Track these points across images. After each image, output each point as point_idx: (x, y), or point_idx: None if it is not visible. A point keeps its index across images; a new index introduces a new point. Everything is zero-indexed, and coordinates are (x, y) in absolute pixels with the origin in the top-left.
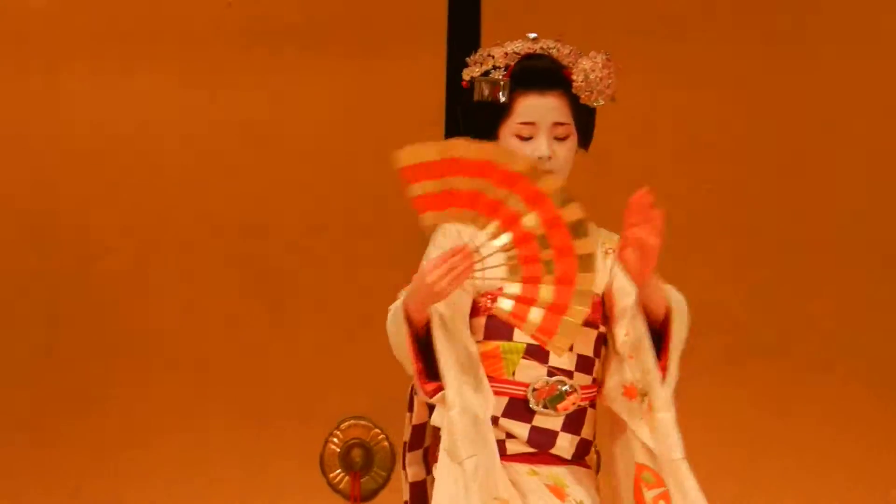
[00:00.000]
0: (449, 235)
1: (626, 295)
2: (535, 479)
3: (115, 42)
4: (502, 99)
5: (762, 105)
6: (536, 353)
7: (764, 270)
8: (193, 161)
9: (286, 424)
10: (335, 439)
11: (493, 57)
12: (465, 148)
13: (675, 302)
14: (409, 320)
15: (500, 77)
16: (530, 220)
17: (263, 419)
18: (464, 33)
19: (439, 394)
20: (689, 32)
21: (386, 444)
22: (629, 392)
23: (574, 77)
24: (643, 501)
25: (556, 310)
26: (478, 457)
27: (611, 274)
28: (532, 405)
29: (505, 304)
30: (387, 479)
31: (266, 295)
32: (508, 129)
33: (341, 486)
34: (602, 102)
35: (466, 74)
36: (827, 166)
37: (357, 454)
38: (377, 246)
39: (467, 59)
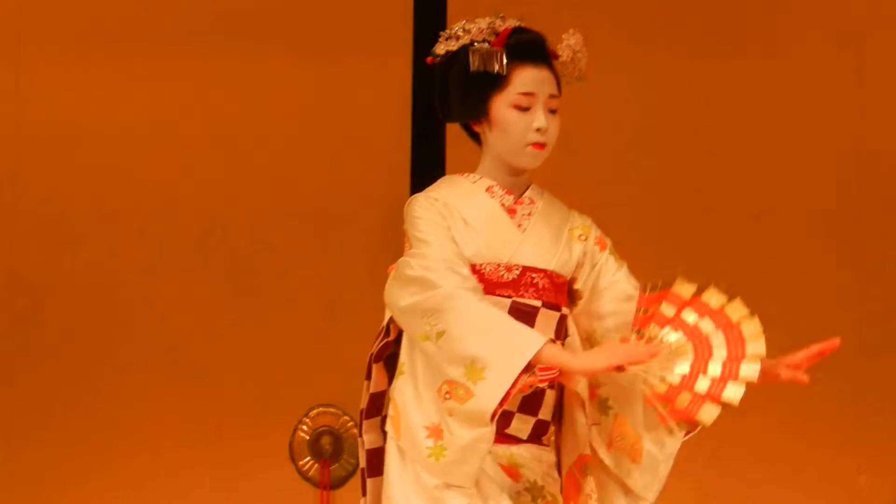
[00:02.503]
0: (439, 208)
1: (626, 299)
2: (489, 457)
3: (82, 31)
4: (499, 69)
5: (732, 94)
6: None
7: (725, 263)
8: (160, 153)
9: (255, 413)
10: (304, 427)
11: (470, 31)
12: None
13: None
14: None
15: (495, 50)
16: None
17: (232, 408)
18: (430, 25)
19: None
20: (655, 21)
21: (355, 431)
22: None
23: (560, 53)
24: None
25: (709, 396)
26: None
27: (596, 269)
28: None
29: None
30: (356, 467)
31: (234, 285)
32: (505, 100)
33: (311, 474)
34: (579, 77)
35: (441, 49)
36: (793, 154)
37: (326, 442)
38: (344, 236)
39: (441, 33)
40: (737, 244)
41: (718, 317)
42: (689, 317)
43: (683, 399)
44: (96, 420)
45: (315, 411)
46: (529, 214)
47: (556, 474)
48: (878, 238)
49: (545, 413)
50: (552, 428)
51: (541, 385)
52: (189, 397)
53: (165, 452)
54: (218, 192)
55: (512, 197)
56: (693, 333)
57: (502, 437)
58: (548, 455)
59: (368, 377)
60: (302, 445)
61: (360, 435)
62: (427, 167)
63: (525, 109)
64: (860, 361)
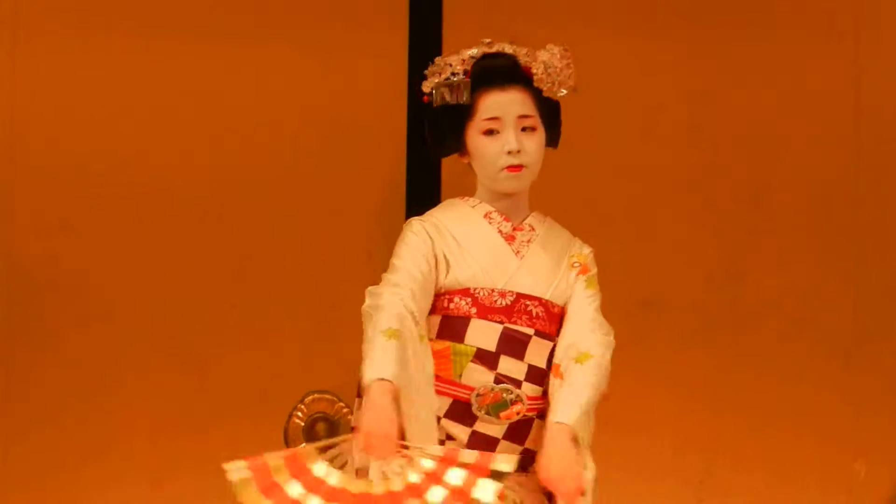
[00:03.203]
0: (420, 234)
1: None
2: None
3: (79, 16)
4: (464, 100)
5: (729, 83)
6: (486, 358)
7: (722, 249)
8: (157, 140)
9: (250, 399)
10: (299, 413)
11: (451, 65)
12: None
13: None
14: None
15: (460, 79)
16: None
17: (228, 394)
18: (426, 15)
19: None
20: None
21: (350, 417)
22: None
23: (534, 70)
24: None
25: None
26: None
27: (573, 290)
28: (474, 410)
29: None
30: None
31: (230, 272)
32: (475, 130)
33: None
34: (565, 93)
35: (427, 87)
36: (789, 141)
37: (321, 428)
38: (341, 223)
39: (425, 71)
40: (733, 230)
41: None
42: None
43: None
44: (93, 409)
45: (310, 398)
46: (529, 241)
47: (542, 497)
48: (875, 224)
49: (532, 443)
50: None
51: (528, 414)
52: (185, 385)
53: (161, 439)
54: (215, 180)
55: (510, 224)
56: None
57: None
58: (534, 480)
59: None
60: (297, 432)
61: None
62: (423, 155)
63: (494, 133)
64: (856, 348)
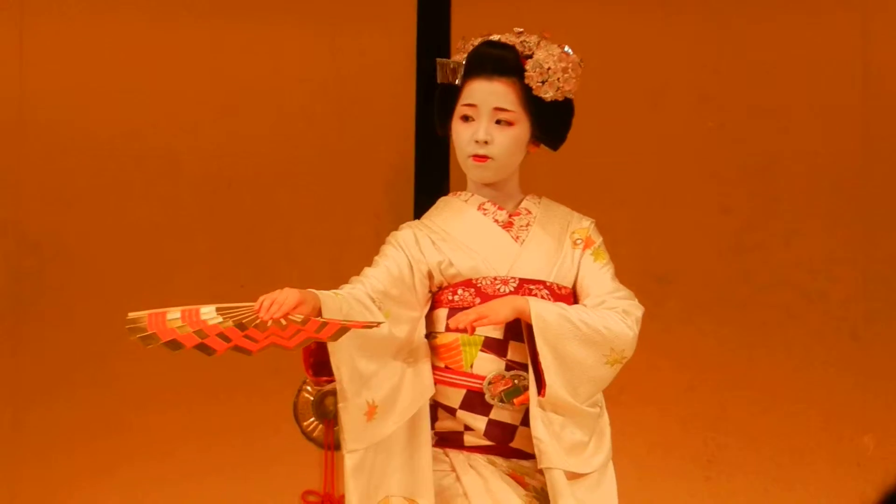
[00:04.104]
0: (400, 237)
1: (583, 294)
2: (492, 468)
3: None
4: (455, 81)
5: (737, 55)
6: (495, 346)
7: (729, 223)
8: (165, 114)
9: (260, 374)
10: (308, 388)
11: (473, 44)
12: None
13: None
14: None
15: (457, 62)
16: None
17: (237, 369)
18: None
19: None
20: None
21: None
22: None
23: (527, 66)
24: None
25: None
26: (362, 452)
27: (579, 266)
28: (488, 398)
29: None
30: None
31: (239, 244)
32: (456, 113)
33: (315, 434)
34: (550, 95)
35: (441, 62)
36: (796, 113)
37: (331, 402)
38: (349, 196)
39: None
40: (743, 206)
41: None
42: None
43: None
44: (102, 382)
45: None
46: (527, 225)
47: None
48: (883, 200)
49: None
50: None
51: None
52: (195, 358)
53: (172, 414)
54: (223, 153)
55: (505, 211)
56: None
57: (508, 450)
58: None
59: None
60: (306, 406)
61: None
62: (431, 131)
63: (469, 120)
64: (864, 323)
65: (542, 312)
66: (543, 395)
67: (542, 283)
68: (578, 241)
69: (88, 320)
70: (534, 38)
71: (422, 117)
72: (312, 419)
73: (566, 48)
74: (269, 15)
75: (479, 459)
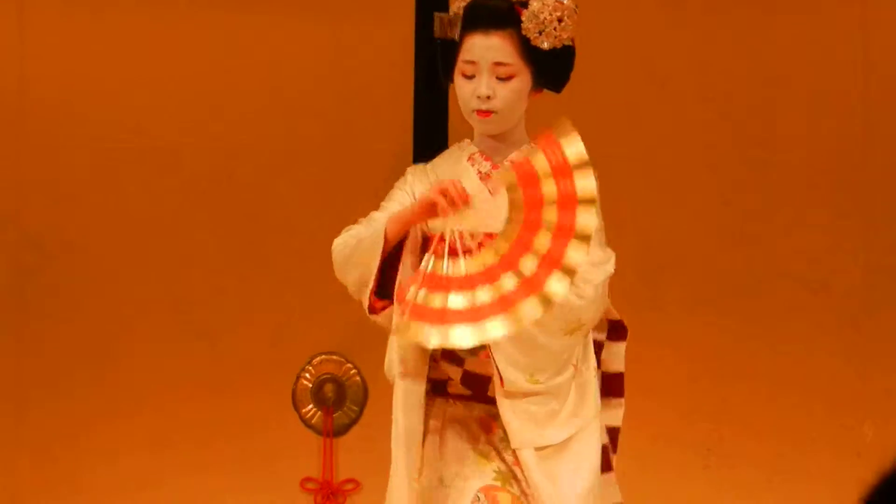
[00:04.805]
0: (417, 174)
1: None
2: (465, 413)
3: None
4: (453, 36)
5: (736, 46)
6: None
7: (729, 213)
8: (166, 108)
9: (259, 361)
10: (307, 374)
11: None
12: None
13: None
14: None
15: (453, 15)
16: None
17: (235, 355)
18: None
19: (386, 311)
20: None
21: (358, 378)
22: None
23: (523, 17)
24: None
25: (549, 262)
26: (408, 380)
27: None
28: (458, 350)
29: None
30: (359, 414)
31: (240, 236)
32: (458, 68)
33: (314, 422)
34: (548, 45)
35: (438, 15)
36: (796, 103)
37: (329, 389)
38: (349, 187)
39: None
40: (743, 196)
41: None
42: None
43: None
44: (104, 376)
45: (318, 359)
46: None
47: None
48: (883, 186)
49: None
50: None
51: None
52: (194, 348)
53: (172, 404)
54: (224, 146)
55: (489, 163)
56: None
57: (486, 398)
58: None
59: None
60: (305, 393)
61: None
62: (430, 118)
63: (470, 77)
64: (865, 313)
65: None
66: (503, 386)
67: None
68: None
69: (90, 315)
70: None
71: (420, 105)
72: (311, 406)
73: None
74: (269, 6)
75: (459, 408)
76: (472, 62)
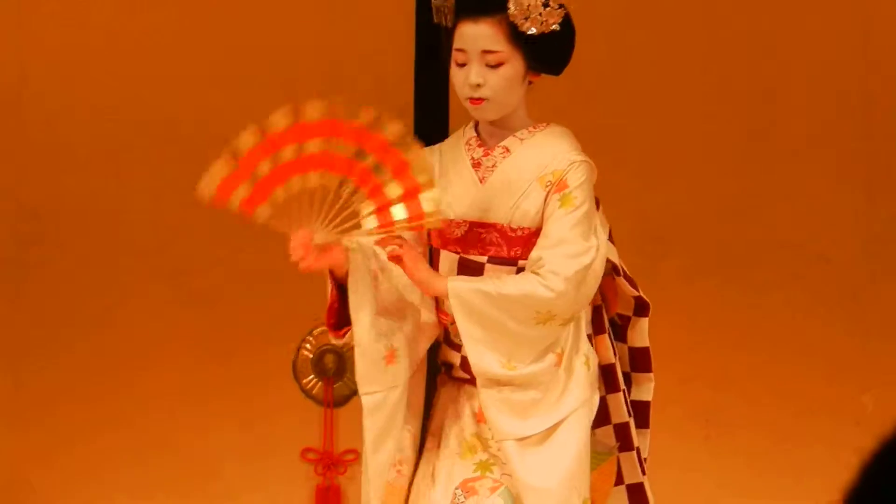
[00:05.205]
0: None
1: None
2: (466, 400)
3: None
4: (448, 23)
5: (728, 23)
6: None
7: (729, 182)
8: (163, 77)
9: (259, 332)
10: (308, 345)
11: None
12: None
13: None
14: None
15: (447, 3)
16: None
17: (237, 328)
18: None
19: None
20: None
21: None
22: None
23: (510, 4)
24: None
25: (409, 195)
26: (381, 394)
27: (547, 209)
28: (453, 337)
29: (368, 227)
30: None
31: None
32: (452, 57)
33: (314, 392)
34: (535, 31)
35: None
36: (798, 80)
37: (330, 360)
38: None
39: None
40: (744, 165)
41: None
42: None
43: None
44: (103, 344)
45: (318, 330)
46: (494, 166)
47: None
48: (885, 155)
49: None
50: None
51: None
52: (194, 319)
53: (172, 375)
54: (221, 116)
55: (482, 149)
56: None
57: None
58: None
59: None
60: (305, 364)
61: None
62: (430, 82)
63: (462, 65)
64: (864, 282)
65: (458, 292)
66: (472, 371)
67: (493, 225)
68: (549, 184)
69: (88, 284)
70: None
71: (421, 73)
72: (312, 377)
73: None
74: None
75: (460, 392)
76: (463, 50)
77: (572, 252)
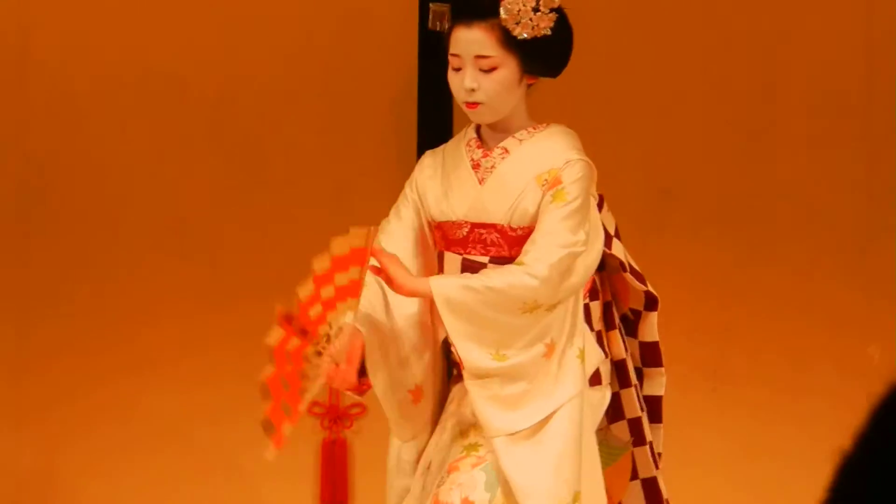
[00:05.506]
0: (424, 168)
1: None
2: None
3: None
4: (443, 28)
5: (728, 23)
6: None
7: (730, 144)
8: (168, 31)
9: (262, 287)
10: None
11: None
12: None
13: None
14: None
15: (444, 7)
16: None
17: (240, 283)
18: None
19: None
20: None
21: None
22: None
23: (501, 8)
24: None
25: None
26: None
27: (541, 206)
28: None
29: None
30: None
31: (242, 163)
32: (448, 61)
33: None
34: (526, 35)
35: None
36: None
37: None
38: (352, 114)
39: None
40: (748, 120)
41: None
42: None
43: None
44: (107, 297)
45: None
46: (492, 167)
47: None
48: (887, 113)
49: None
50: None
51: None
52: (198, 273)
53: (176, 327)
54: (226, 71)
55: (481, 150)
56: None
57: None
58: None
59: None
60: None
61: None
62: (434, 45)
63: (457, 70)
64: (870, 236)
65: (443, 291)
66: (465, 368)
67: (494, 226)
68: (545, 182)
69: (92, 238)
70: None
71: (424, 36)
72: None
73: None
74: None
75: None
76: (457, 55)
77: (559, 242)
